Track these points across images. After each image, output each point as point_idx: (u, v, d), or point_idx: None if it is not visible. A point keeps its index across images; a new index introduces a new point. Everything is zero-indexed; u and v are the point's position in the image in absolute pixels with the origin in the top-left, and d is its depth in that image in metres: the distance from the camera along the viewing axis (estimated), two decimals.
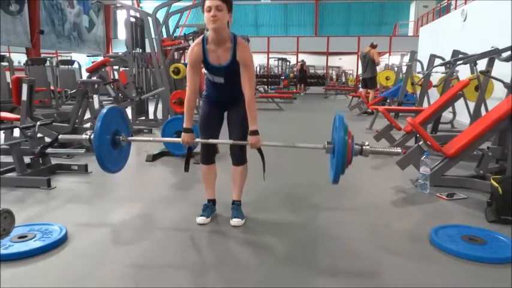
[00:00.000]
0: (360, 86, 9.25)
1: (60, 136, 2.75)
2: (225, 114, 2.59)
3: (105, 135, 2.42)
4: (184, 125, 2.45)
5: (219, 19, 2.19)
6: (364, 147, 2.30)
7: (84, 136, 2.46)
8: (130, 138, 2.61)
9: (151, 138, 2.85)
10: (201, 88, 2.69)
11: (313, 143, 2.43)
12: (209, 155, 2.61)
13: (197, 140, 2.49)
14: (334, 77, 22.41)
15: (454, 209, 2.90)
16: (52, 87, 10.02)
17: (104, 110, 2.44)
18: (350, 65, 21.80)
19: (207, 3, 2.19)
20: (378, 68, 9.45)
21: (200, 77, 2.53)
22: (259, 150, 2.45)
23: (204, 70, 2.51)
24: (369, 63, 8.94)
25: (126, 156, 2.70)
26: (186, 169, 2.58)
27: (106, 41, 19.32)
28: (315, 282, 1.87)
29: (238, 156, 2.54)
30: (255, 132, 2.36)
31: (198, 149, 2.75)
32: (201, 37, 2.38)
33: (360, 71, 8.91)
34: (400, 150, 2.40)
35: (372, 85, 9.29)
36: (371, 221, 2.65)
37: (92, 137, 2.37)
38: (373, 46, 9.03)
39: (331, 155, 2.35)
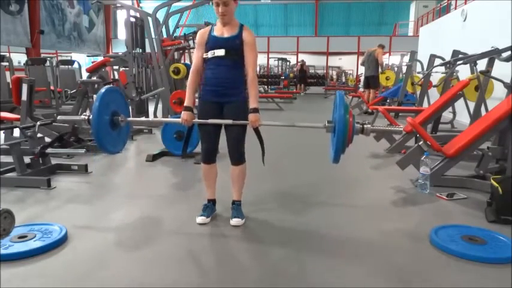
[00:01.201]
0: (359, 86, 9.18)
1: (58, 117, 2.74)
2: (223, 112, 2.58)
3: (104, 115, 2.42)
4: (185, 103, 2.48)
5: (227, 14, 2.38)
6: (365, 125, 2.30)
7: (82, 117, 2.46)
8: (129, 119, 2.61)
9: (150, 119, 2.84)
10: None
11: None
12: (210, 154, 2.61)
13: (196, 120, 2.49)
14: (335, 77, 22.40)
15: (454, 209, 2.90)
16: (52, 87, 10.02)
17: (103, 90, 2.43)
18: (350, 65, 21.80)
19: None
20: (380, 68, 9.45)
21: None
22: (258, 133, 2.48)
23: (206, 54, 2.48)
24: (373, 61, 8.98)
25: (125, 137, 2.70)
26: (184, 152, 2.59)
27: (106, 41, 19.31)
28: (314, 282, 1.86)
29: (237, 156, 2.54)
30: (255, 110, 2.39)
31: (198, 149, 2.74)
32: (209, 26, 2.54)
33: (359, 71, 8.85)
34: (401, 128, 2.41)
35: (375, 84, 9.29)
36: (371, 221, 2.65)
37: (91, 117, 2.37)
38: (381, 46, 9.12)
39: (331, 135, 2.34)
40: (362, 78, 9.95)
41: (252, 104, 2.40)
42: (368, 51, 9.07)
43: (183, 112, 2.46)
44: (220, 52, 2.42)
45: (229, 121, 2.45)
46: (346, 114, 2.16)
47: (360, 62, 9.22)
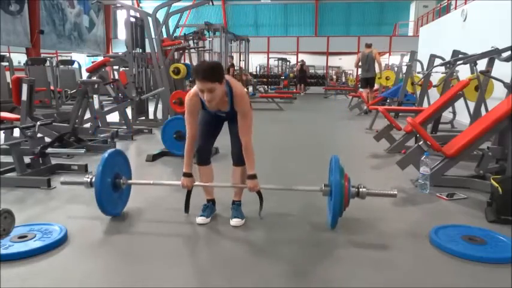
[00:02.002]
0: (365, 85, 9.15)
1: (61, 179, 2.76)
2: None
3: (106, 178, 2.48)
4: (184, 170, 2.48)
5: (213, 99, 2.21)
6: (360, 189, 2.39)
7: (85, 179, 2.51)
8: (130, 181, 2.69)
9: (151, 182, 2.83)
10: None
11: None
12: (204, 154, 2.62)
13: (197, 183, 2.53)
14: (334, 77, 22.40)
15: (454, 209, 2.90)
16: (52, 87, 10.03)
17: (106, 154, 2.50)
18: (350, 65, 21.80)
19: (198, 85, 2.19)
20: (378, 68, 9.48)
21: None
22: (258, 193, 2.49)
23: None
24: (372, 63, 8.94)
25: (125, 199, 2.77)
26: (186, 210, 2.60)
27: (106, 41, 19.32)
28: (315, 282, 1.86)
29: (240, 157, 2.54)
30: (253, 177, 2.41)
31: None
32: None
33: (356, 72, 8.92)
34: (395, 193, 2.46)
35: (373, 84, 9.39)
36: (371, 221, 2.65)
37: (93, 180, 2.44)
38: (368, 46, 9.04)
39: (328, 197, 2.39)
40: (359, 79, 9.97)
41: (250, 171, 2.41)
42: (364, 53, 9.02)
43: (182, 178, 2.48)
44: (221, 114, 2.47)
45: (228, 184, 2.57)
46: (341, 180, 2.26)
47: (354, 63, 9.23)
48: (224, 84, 2.26)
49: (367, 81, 9.13)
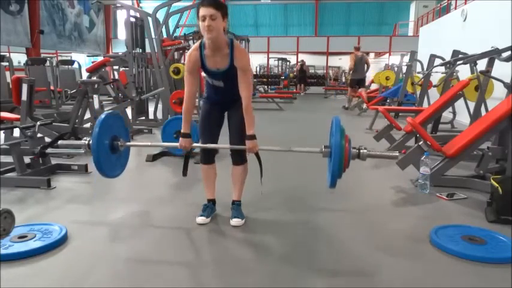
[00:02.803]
0: (354, 85, 9.51)
1: (59, 142, 2.76)
2: (226, 114, 2.59)
3: (104, 140, 2.44)
4: (182, 130, 2.45)
5: (213, 29, 2.18)
6: (361, 151, 2.31)
7: (82, 141, 2.49)
8: (128, 143, 2.63)
9: (149, 143, 2.90)
10: (201, 90, 2.70)
11: (313, 144, 2.44)
12: (209, 154, 2.62)
13: (195, 144, 2.50)
14: (332, 77, 22.39)
15: (454, 209, 2.90)
16: (52, 87, 10.03)
17: (103, 116, 2.46)
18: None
19: (201, 12, 2.18)
20: (378, 69, 9.62)
21: (200, 79, 2.53)
22: (257, 155, 2.44)
23: (203, 73, 2.51)
24: (363, 66, 9.64)
25: (124, 161, 2.73)
26: (184, 174, 2.59)
27: (106, 41, 19.32)
28: (314, 282, 1.87)
29: (239, 156, 2.54)
30: (252, 137, 2.37)
31: (198, 149, 2.75)
32: (198, 43, 2.38)
33: (353, 73, 9.83)
34: (397, 154, 2.41)
35: (364, 84, 10.01)
36: (371, 221, 2.65)
37: (91, 142, 2.40)
38: (358, 49, 9.71)
39: (328, 159, 2.35)
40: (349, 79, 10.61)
41: (249, 131, 2.37)
42: (357, 56, 9.54)
43: (181, 139, 2.45)
44: (219, 83, 2.45)
45: (227, 145, 2.49)
46: (342, 140, 2.18)
47: (349, 66, 9.91)
48: (226, 23, 2.26)
49: (359, 82, 9.66)
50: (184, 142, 2.44)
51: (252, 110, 2.39)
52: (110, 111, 2.66)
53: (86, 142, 2.47)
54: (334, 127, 2.24)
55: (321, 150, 2.34)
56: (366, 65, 9.66)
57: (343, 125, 2.25)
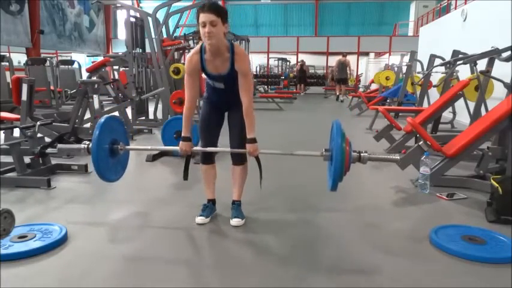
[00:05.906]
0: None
1: (58, 146, 2.74)
2: (226, 114, 2.59)
3: (103, 144, 2.45)
4: (183, 134, 2.45)
5: (214, 35, 2.17)
6: (362, 154, 2.32)
7: (82, 146, 2.48)
8: (128, 147, 2.63)
9: (148, 147, 2.90)
10: (202, 90, 2.70)
11: (314, 145, 2.44)
12: (209, 154, 2.62)
13: (195, 148, 2.51)
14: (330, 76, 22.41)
15: (454, 209, 2.90)
16: (52, 87, 10.03)
17: (102, 119, 2.46)
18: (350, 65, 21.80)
19: (201, 18, 2.17)
20: (378, 69, 9.71)
21: (200, 80, 2.53)
22: (257, 158, 2.45)
23: (203, 75, 2.51)
24: (345, 68, 13.20)
25: (124, 165, 2.72)
26: (185, 177, 2.59)
27: (106, 41, 19.32)
28: (315, 282, 1.86)
29: (239, 156, 2.54)
30: (253, 140, 2.37)
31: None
32: (199, 46, 2.38)
33: (337, 74, 13.19)
34: (398, 157, 2.42)
35: (346, 82, 13.82)
36: (371, 221, 2.65)
37: (90, 146, 2.40)
38: (345, 55, 13.30)
39: (329, 162, 2.36)
40: (332, 77, 14.84)
41: (250, 134, 2.36)
42: (340, 61, 13.00)
43: (181, 142, 2.45)
44: (220, 85, 2.45)
45: (227, 149, 2.49)
46: (343, 144, 2.18)
47: (334, 68, 13.46)
48: (226, 29, 2.25)
49: (341, 80, 13.30)
50: (184, 146, 2.45)
51: (253, 111, 2.39)
52: (109, 115, 2.66)
53: (85, 146, 2.48)
54: (334, 131, 2.25)
55: (322, 153, 2.35)
56: (347, 68, 13.02)
57: (343, 129, 2.25)
